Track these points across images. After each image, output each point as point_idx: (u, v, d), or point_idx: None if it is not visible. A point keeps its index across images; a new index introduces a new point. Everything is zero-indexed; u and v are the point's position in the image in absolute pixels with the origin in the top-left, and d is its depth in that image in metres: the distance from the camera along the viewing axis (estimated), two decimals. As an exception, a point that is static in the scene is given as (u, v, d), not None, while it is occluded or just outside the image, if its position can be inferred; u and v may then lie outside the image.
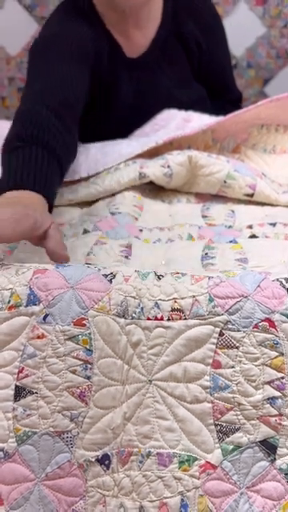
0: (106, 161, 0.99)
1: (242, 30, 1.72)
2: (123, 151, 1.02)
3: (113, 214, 0.91)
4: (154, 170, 0.95)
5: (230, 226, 0.90)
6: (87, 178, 0.99)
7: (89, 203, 0.98)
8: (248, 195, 0.95)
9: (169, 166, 0.95)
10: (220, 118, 1.04)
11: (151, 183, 0.97)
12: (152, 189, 0.99)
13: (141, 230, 0.88)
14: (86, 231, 0.87)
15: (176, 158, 0.96)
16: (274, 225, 0.89)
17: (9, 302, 0.57)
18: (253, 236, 0.85)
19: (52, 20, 1.14)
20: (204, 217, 0.93)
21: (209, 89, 1.21)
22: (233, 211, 0.94)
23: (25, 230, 0.59)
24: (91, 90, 1.04)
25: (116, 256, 0.77)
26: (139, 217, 0.92)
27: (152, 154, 1.01)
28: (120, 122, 1.12)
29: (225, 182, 0.95)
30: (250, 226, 0.88)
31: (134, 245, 0.82)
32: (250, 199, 0.96)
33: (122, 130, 1.09)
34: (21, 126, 0.87)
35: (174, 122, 1.11)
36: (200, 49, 1.19)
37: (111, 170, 0.98)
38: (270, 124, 1.10)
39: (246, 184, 0.95)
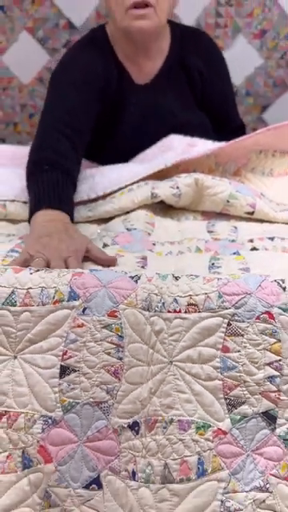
0: (120, 180, 1.15)
1: (241, 61, 1.90)
2: (136, 171, 1.18)
3: (128, 229, 1.06)
4: (164, 190, 1.11)
5: (233, 240, 1.05)
6: (104, 197, 1.15)
7: (105, 220, 1.14)
8: (249, 213, 1.11)
9: (178, 187, 1.11)
10: (222, 144, 1.21)
11: (162, 202, 1.13)
12: (162, 207, 1.15)
13: (154, 244, 1.03)
14: (105, 245, 1.02)
15: (184, 180, 1.12)
16: (272, 239, 1.04)
17: (53, 297, 0.73)
18: (254, 249, 1.01)
19: (69, 52, 1.34)
20: (210, 232, 1.09)
21: (212, 117, 1.39)
22: (235, 227, 1.10)
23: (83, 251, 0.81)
24: (100, 113, 1.22)
25: (133, 266, 0.92)
26: (152, 232, 1.08)
27: (161, 175, 1.18)
28: (126, 141, 1.30)
29: (228, 201, 1.11)
30: (251, 240, 1.04)
31: (148, 257, 0.97)
32: (250, 217, 1.12)
33: (128, 150, 1.26)
34: (44, 152, 1.05)
35: (180, 147, 1.28)
36: (203, 78, 1.37)
37: (125, 191, 1.14)
38: (268, 150, 1.27)
39: (247, 203, 1.11)
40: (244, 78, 1.95)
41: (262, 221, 1.13)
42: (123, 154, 1.25)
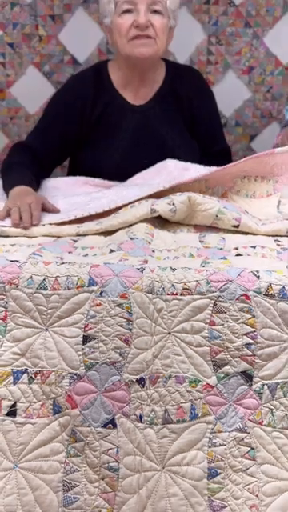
0: (124, 198, 1.44)
1: (231, 94, 2.23)
2: (137, 192, 1.47)
3: (131, 238, 1.33)
4: (162, 206, 1.39)
5: (221, 248, 1.33)
6: (108, 212, 1.43)
7: (110, 233, 1.41)
8: (235, 226, 1.39)
9: (173, 204, 1.39)
10: (213, 169, 1.50)
11: (160, 217, 1.41)
12: (160, 221, 1.43)
13: (153, 251, 1.30)
14: (111, 251, 1.29)
15: (179, 198, 1.41)
16: (254, 247, 1.32)
17: (76, 284, 1.00)
18: (238, 255, 1.28)
19: (66, 82, 1.71)
20: (201, 242, 1.36)
21: (200, 141, 1.69)
22: (223, 238, 1.38)
23: (40, 202, 1.30)
24: (79, 132, 1.62)
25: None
26: (151, 242, 1.35)
27: (158, 195, 1.46)
28: (121, 155, 1.63)
29: (216, 216, 1.39)
30: (237, 248, 1.32)
31: (149, 260, 1.24)
32: (236, 229, 1.40)
33: (123, 163, 1.59)
34: (19, 154, 1.62)
35: (175, 171, 1.58)
36: (192, 107, 1.69)
37: (128, 207, 1.42)
38: (251, 175, 1.57)
39: (233, 217, 1.39)
40: (234, 109, 2.27)
41: (246, 233, 1.40)
42: (119, 167, 1.57)
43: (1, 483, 0.93)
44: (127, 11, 1.50)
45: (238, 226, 1.38)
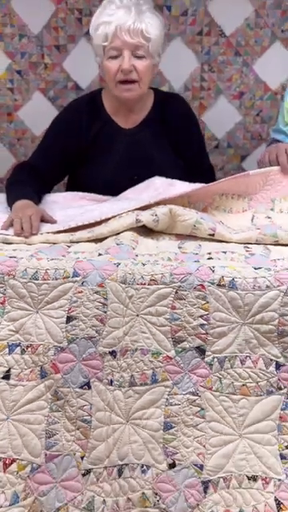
0: (114, 210, 1.75)
1: (223, 117, 2.56)
2: (126, 205, 1.77)
3: (118, 244, 1.64)
4: (146, 217, 1.70)
5: (196, 253, 1.63)
6: (100, 222, 1.73)
7: (101, 240, 1.72)
8: (211, 235, 1.69)
9: (156, 215, 1.70)
10: (195, 187, 1.80)
11: (144, 226, 1.71)
12: (145, 231, 1.74)
13: (136, 255, 1.60)
14: (100, 254, 1.60)
15: (161, 210, 1.71)
16: (225, 252, 1.61)
17: (63, 275, 1.31)
18: (209, 258, 1.58)
19: (66, 107, 2.08)
20: (179, 248, 1.66)
21: (185, 161, 2.01)
22: (200, 245, 1.68)
23: (39, 214, 1.61)
24: (77, 152, 1.96)
25: (121, 266, 1.50)
26: (136, 247, 1.65)
27: (145, 208, 1.76)
28: (113, 171, 1.95)
29: (194, 225, 1.69)
30: (209, 253, 1.61)
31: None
32: (212, 238, 1.69)
33: (115, 179, 1.92)
34: (22, 172, 1.95)
35: (162, 187, 1.88)
36: (178, 131, 2.01)
37: (117, 218, 1.72)
38: (228, 193, 1.86)
39: (209, 227, 1.69)
40: (226, 132, 2.60)
41: (221, 241, 1.70)
42: (111, 183, 1.91)
43: None
44: (114, 57, 1.83)
45: (213, 235, 1.67)
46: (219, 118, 2.58)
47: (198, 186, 1.82)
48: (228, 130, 2.60)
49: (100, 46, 1.86)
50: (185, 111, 2.03)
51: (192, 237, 1.70)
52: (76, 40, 2.50)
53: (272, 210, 1.86)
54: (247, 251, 1.59)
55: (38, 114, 2.50)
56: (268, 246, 1.62)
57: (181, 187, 1.85)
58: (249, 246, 1.64)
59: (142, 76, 1.84)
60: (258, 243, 1.65)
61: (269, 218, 1.81)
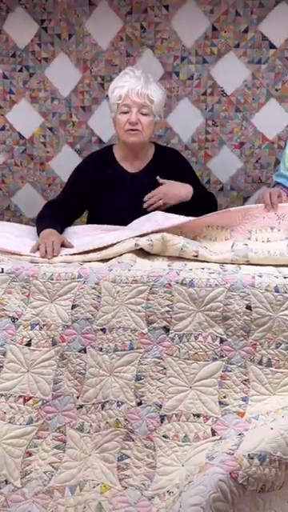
0: (119, 237, 2.55)
1: (226, 164, 3.37)
2: (129, 233, 2.58)
3: (119, 262, 2.43)
4: (142, 242, 2.50)
5: (181, 270, 2.39)
6: (107, 247, 2.54)
7: (107, 260, 2.51)
8: (195, 256, 2.46)
9: (151, 240, 2.50)
10: (187, 219, 2.59)
11: (142, 249, 2.50)
12: (142, 253, 2.53)
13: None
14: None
15: (155, 236, 2.51)
16: (203, 268, 2.38)
17: (71, 277, 2.12)
18: (190, 269, 2.34)
19: (83, 160, 2.90)
20: (169, 266, 2.44)
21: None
22: (185, 264, 2.45)
23: (60, 241, 2.45)
24: (92, 194, 2.85)
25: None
26: (133, 265, 2.44)
27: (143, 235, 2.56)
28: (120, 209, 2.83)
29: (182, 249, 2.47)
30: (191, 269, 2.38)
31: (128, 275, 2.34)
32: (196, 258, 2.46)
33: (122, 215, 2.78)
34: (49, 208, 2.89)
35: (160, 219, 2.68)
36: (174, 175, 2.81)
37: (120, 243, 2.52)
38: (213, 225, 2.64)
39: (193, 250, 2.47)
40: (229, 176, 3.41)
41: (203, 261, 2.47)
42: (120, 216, 2.75)
43: (19, 378, 2.04)
44: (124, 112, 2.70)
45: (197, 256, 2.44)
46: (223, 165, 3.40)
47: (188, 219, 2.62)
48: (231, 175, 3.41)
49: (115, 103, 2.76)
50: (180, 161, 2.87)
51: (181, 258, 2.47)
52: (99, 102, 3.40)
53: (249, 239, 2.62)
54: (221, 268, 2.35)
55: (67, 164, 3.38)
56: (241, 266, 2.37)
57: (176, 220, 2.65)
58: (224, 264, 2.39)
59: (145, 128, 2.70)
60: (232, 263, 2.41)
61: (246, 245, 2.57)
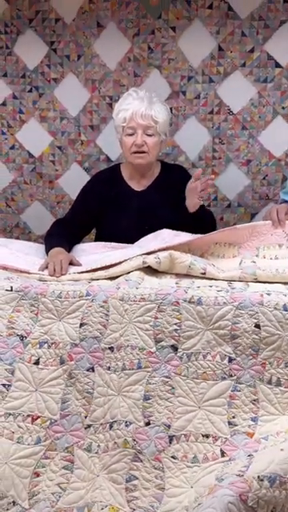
0: (126, 255, 2.50)
1: (233, 181, 3.33)
2: (137, 251, 2.53)
3: (127, 280, 2.38)
4: (150, 260, 2.45)
5: (189, 288, 2.34)
6: (115, 265, 2.49)
7: (114, 278, 2.46)
8: (203, 273, 2.41)
9: (159, 258, 2.45)
10: (194, 237, 2.54)
11: (149, 267, 2.45)
12: (149, 271, 2.48)
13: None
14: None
15: (163, 254, 2.46)
16: (211, 286, 2.32)
17: (79, 295, 2.08)
18: (198, 287, 2.28)
19: (91, 178, 2.91)
20: (176, 283, 2.38)
21: (186, 216, 2.76)
22: (193, 281, 2.40)
23: (69, 259, 2.39)
24: (100, 211, 2.81)
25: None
26: (141, 283, 2.39)
27: (150, 252, 2.51)
28: (127, 225, 2.77)
29: (189, 266, 2.42)
30: (199, 287, 2.32)
31: (137, 292, 2.29)
32: (204, 276, 2.41)
33: (129, 232, 2.72)
34: (58, 227, 2.84)
35: (168, 237, 2.63)
36: (180, 193, 2.77)
37: (128, 261, 2.48)
38: (221, 242, 2.59)
39: (201, 267, 2.42)
40: (236, 193, 3.37)
41: (211, 279, 2.41)
42: (128, 233, 2.70)
43: (27, 397, 1.99)
44: (130, 134, 2.67)
45: (204, 273, 2.39)
46: (230, 182, 3.35)
47: (196, 236, 2.57)
48: (238, 191, 3.36)
49: (120, 126, 2.72)
50: (185, 178, 2.81)
51: (188, 276, 2.42)
52: (107, 121, 3.36)
53: (257, 256, 2.57)
54: (229, 285, 2.29)
55: (75, 182, 3.33)
56: (248, 283, 2.31)
57: (183, 237, 2.60)
58: (232, 282, 2.34)
59: (151, 149, 2.66)
60: (240, 280, 2.36)
61: (254, 262, 2.52)
